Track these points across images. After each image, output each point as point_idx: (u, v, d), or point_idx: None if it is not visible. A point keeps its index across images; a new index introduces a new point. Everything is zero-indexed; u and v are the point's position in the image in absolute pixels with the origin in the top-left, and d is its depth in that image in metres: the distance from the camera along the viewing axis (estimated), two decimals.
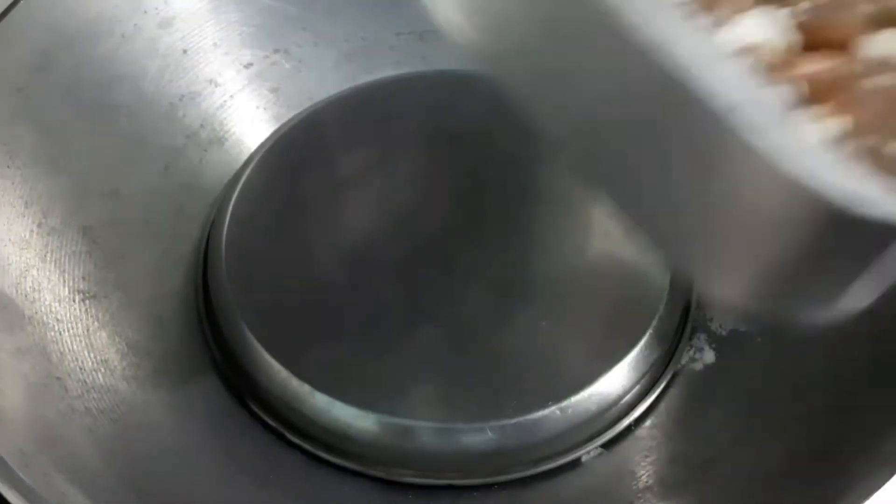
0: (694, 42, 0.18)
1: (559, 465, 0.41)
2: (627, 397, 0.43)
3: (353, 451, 0.41)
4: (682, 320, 0.46)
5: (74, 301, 0.43)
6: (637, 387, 0.43)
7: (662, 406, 0.44)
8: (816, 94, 0.20)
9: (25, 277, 0.42)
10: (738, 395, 0.43)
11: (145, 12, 0.50)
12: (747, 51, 0.20)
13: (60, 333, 0.41)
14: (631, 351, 0.42)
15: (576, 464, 0.41)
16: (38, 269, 0.42)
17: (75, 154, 0.46)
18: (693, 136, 0.18)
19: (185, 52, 0.51)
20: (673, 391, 0.44)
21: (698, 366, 0.45)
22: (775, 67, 0.20)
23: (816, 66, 0.21)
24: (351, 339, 0.42)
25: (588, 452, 0.42)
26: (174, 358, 0.43)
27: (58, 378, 0.38)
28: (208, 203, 0.48)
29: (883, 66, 0.22)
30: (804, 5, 0.23)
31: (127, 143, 0.46)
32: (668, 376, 0.44)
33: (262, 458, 0.41)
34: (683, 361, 0.45)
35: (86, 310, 0.43)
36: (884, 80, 0.21)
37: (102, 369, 0.40)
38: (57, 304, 0.42)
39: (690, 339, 0.46)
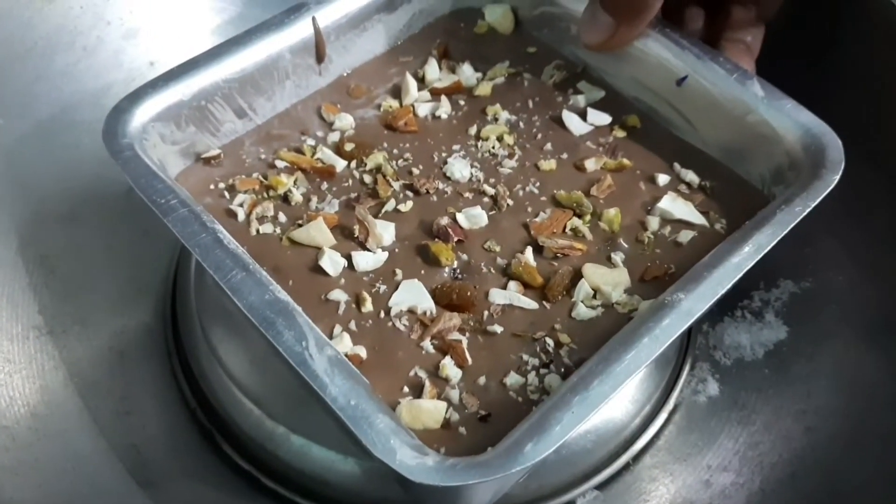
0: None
1: None
2: (625, 433, 0.41)
3: (331, 496, 0.38)
4: (683, 349, 0.43)
5: (28, 338, 0.40)
6: (635, 420, 0.41)
7: (662, 442, 0.41)
8: (442, 348, 0.31)
9: None
10: (744, 430, 0.40)
11: (109, 23, 0.48)
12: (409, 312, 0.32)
13: (11, 375, 0.38)
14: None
15: None
16: None
17: (32, 177, 0.44)
18: None
19: (152, 64, 0.48)
20: (673, 425, 0.42)
21: (701, 398, 0.42)
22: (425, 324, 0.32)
23: (449, 322, 0.32)
24: None
25: (583, 495, 0.39)
26: (138, 398, 0.40)
27: (4, 427, 0.36)
28: None
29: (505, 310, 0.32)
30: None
31: (88, 163, 0.44)
32: (668, 409, 0.42)
33: (232, 503, 0.38)
34: (685, 393, 0.43)
35: (41, 347, 0.40)
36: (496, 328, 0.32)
37: (57, 414, 0.37)
38: (8, 343, 0.39)
39: (692, 369, 0.43)
